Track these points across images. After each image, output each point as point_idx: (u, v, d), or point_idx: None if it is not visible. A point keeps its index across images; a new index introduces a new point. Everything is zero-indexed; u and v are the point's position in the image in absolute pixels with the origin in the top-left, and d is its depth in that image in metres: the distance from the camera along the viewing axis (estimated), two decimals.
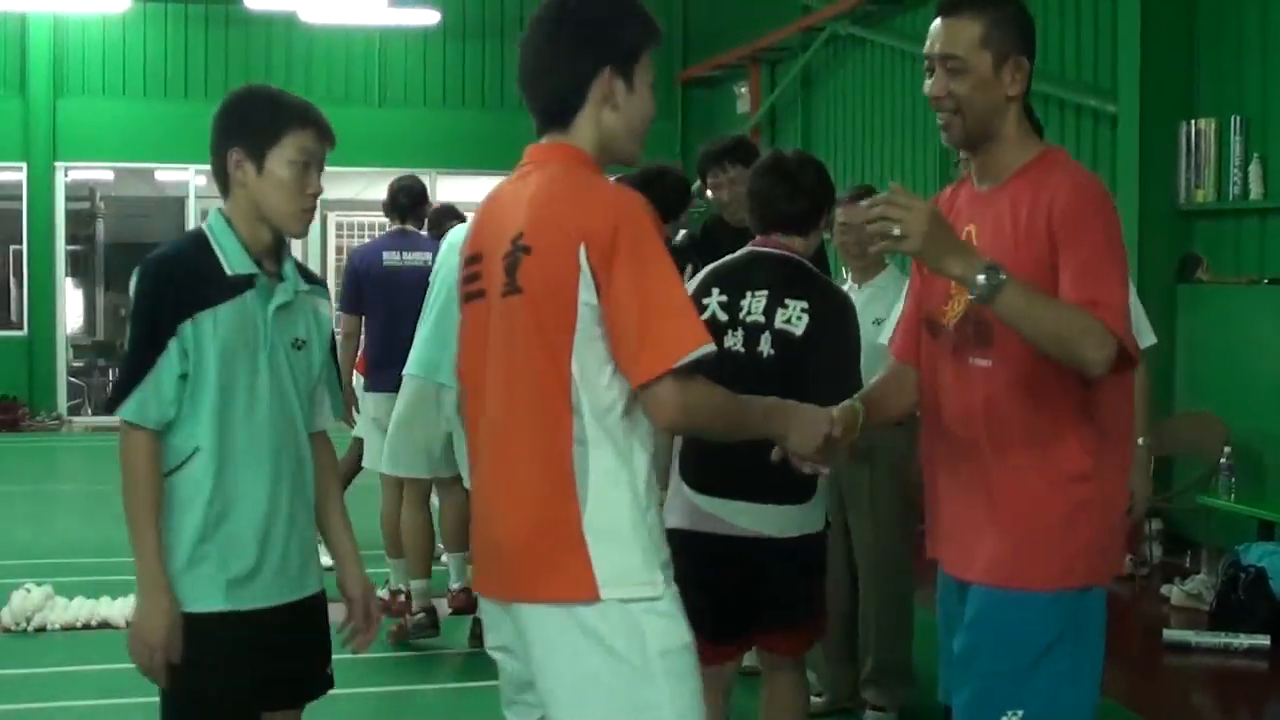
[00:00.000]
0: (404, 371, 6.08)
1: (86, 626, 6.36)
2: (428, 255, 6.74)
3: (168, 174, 17.05)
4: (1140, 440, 4.20)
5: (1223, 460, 7.22)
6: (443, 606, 6.62)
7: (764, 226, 3.84)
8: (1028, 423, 2.66)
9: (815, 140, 13.44)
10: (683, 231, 5.68)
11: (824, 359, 3.63)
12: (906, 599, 5.04)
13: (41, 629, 6.31)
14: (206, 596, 2.80)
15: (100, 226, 19.43)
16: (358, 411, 6.83)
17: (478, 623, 6.10)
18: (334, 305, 3.76)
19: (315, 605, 3.00)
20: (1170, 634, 6.35)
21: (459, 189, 16.33)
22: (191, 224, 15.84)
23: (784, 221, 3.79)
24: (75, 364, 16.76)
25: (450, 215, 7.64)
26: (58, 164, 15.46)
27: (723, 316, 3.70)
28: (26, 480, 11.80)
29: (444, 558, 6.77)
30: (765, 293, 3.70)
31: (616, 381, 2.45)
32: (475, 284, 2.63)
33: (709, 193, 5.45)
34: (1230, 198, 7.81)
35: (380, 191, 7.27)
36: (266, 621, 2.85)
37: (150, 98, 15.64)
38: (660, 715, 2.47)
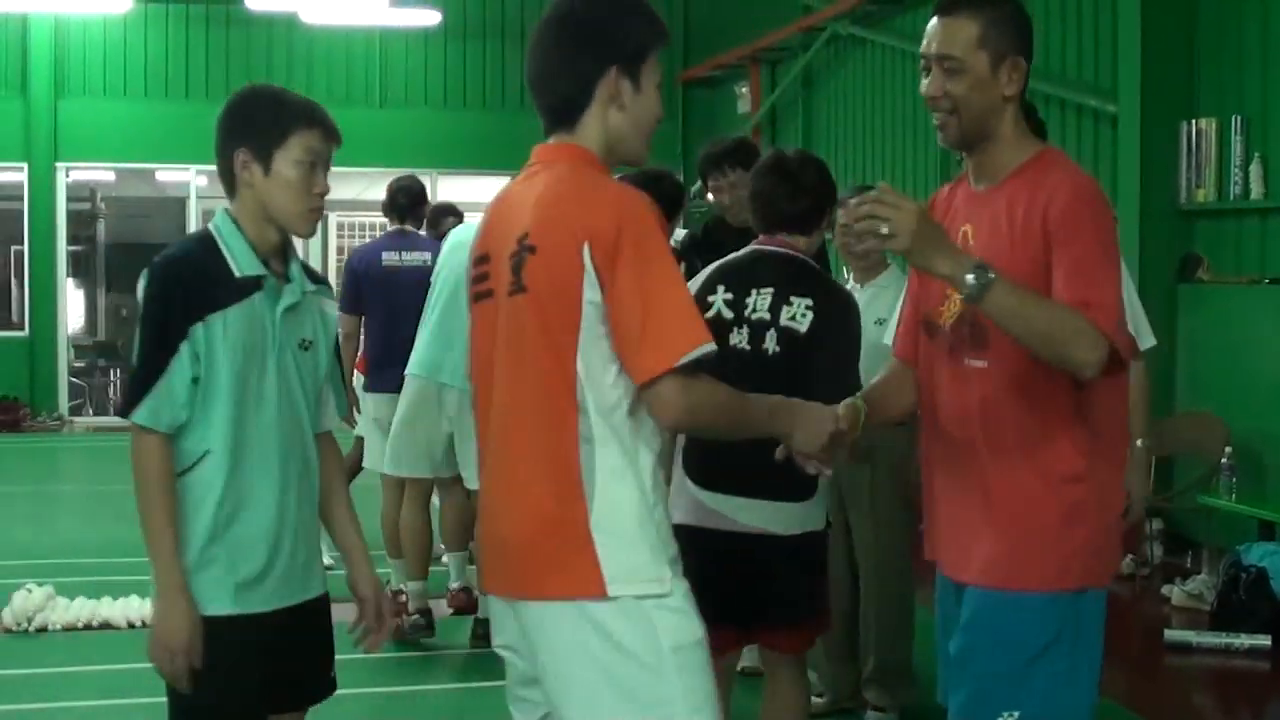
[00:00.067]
0: (406, 371, 6.09)
1: (88, 627, 6.36)
2: (427, 255, 6.75)
3: (169, 174, 17.06)
4: (1139, 441, 4.19)
5: (1223, 460, 7.22)
6: (442, 606, 6.63)
7: (767, 226, 3.86)
8: (1023, 424, 2.66)
9: (816, 140, 13.43)
10: (684, 232, 5.68)
11: (826, 357, 3.65)
12: (907, 599, 5.04)
13: (43, 629, 6.31)
14: (214, 600, 2.79)
15: (101, 227, 19.45)
16: (359, 412, 6.84)
17: (479, 623, 6.11)
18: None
19: (319, 607, 2.99)
20: (1171, 634, 6.35)
21: (460, 189, 16.32)
22: (193, 224, 15.86)
23: (786, 221, 3.81)
24: (76, 364, 16.76)
25: (448, 213, 7.65)
26: (59, 164, 15.47)
27: (728, 314, 3.72)
28: (28, 481, 11.80)
29: (445, 558, 6.78)
30: (770, 290, 3.72)
31: (621, 380, 2.46)
32: (483, 284, 2.64)
33: (710, 196, 5.45)
34: (1231, 197, 7.81)
35: (381, 192, 7.28)
36: (272, 624, 2.84)
37: (151, 98, 15.64)
38: (673, 710, 2.47)
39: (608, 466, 2.47)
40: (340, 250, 17.08)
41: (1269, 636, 6.17)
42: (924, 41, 2.76)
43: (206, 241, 2.86)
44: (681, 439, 3.70)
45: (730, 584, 3.61)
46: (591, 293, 2.43)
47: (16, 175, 15.49)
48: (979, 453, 2.72)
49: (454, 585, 6.73)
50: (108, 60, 15.59)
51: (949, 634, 2.82)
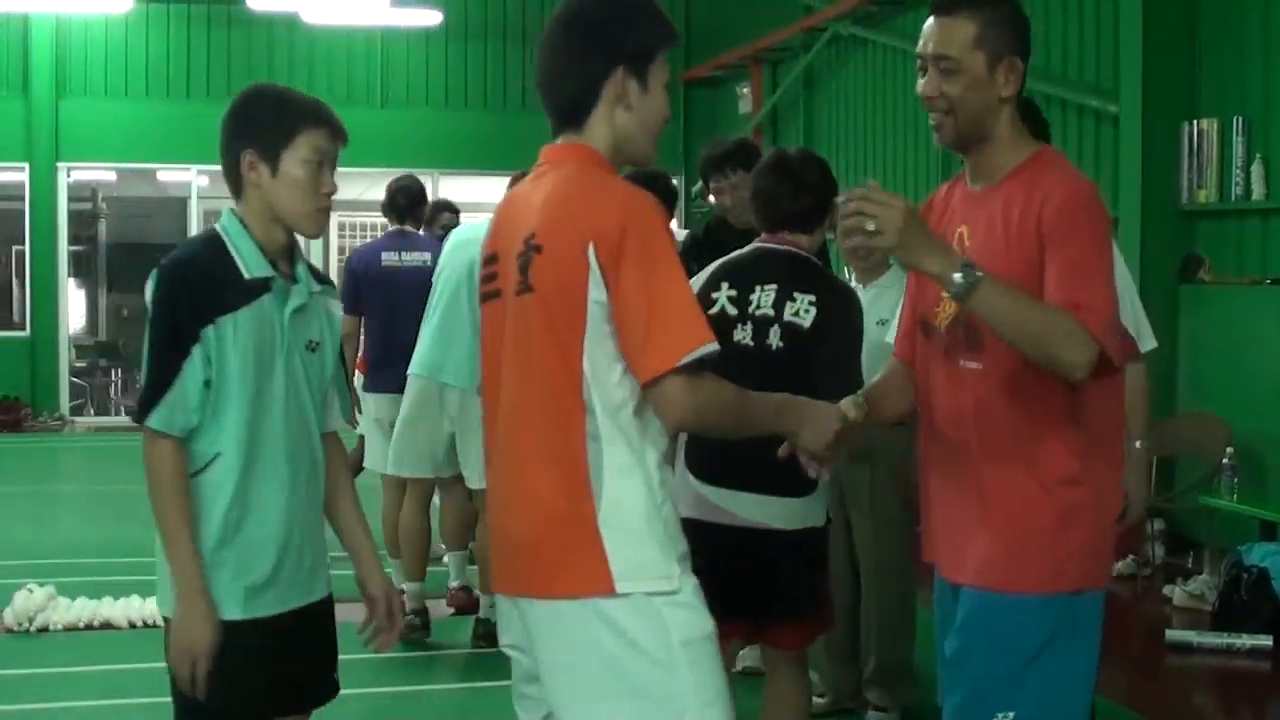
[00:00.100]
0: (408, 372, 6.09)
1: (89, 627, 6.36)
2: (426, 255, 6.76)
3: (170, 174, 17.06)
4: (1138, 443, 4.18)
5: (1225, 460, 7.22)
6: (443, 606, 6.64)
7: (769, 225, 3.88)
8: (1018, 426, 2.65)
9: (817, 140, 13.43)
10: (685, 233, 5.69)
11: (829, 352, 3.68)
12: (908, 599, 5.04)
13: (44, 629, 6.31)
14: (223, 604, 2.77)
15: (103, 227, 19.46)
16: (360, 412, 6.84)
17: (480, 623, 6.11)
18: None
19: (324, 609, 2.98)
20: (1173, 634, 6.35)
21: (461, 189, 16.33)
22: (194, 224, 15.87)
23: (788, 219, 3.83)
24: (78, 364, 16.76)
25: (443, 209, 7.65)
26: (60, 164, 15.46)
27: (732, 310, 3.75)
28: (29, 481, 11.79)
29: (446, 558, 6.79)
30: (774, 287, 3.75)
31: (627, 379, 2.47)
32: (492, 284, 2.67)
33: (711, 197, 5.45)
34: (1232, 198, 7.80)
35: (382, 192, 7.28)
36: (278, 627, 2.83)
37: (152, 98, 15.64)
38: (685, 705, 2.47)
39: (615, 464, 2.48)
40: (342, 250, 17.09)
41: (1270, 637, 6.17)
42: (920, 41, 2.74)
43: (214, 243, 2.84)
44: (683, 435, 3.71)
45: (732, 578, 3.62)
46: (597, 292, 2.44)
47: (18, 175, 15.48)
48: (974, 454, 2.71)
49: (453, 584, 6.73)
50: (109, 60, 15.58)
51: (946, 635, 2.82)
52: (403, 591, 6.30)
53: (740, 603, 3.65)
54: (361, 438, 7.11)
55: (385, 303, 6.67)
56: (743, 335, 3.72)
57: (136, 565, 7.32)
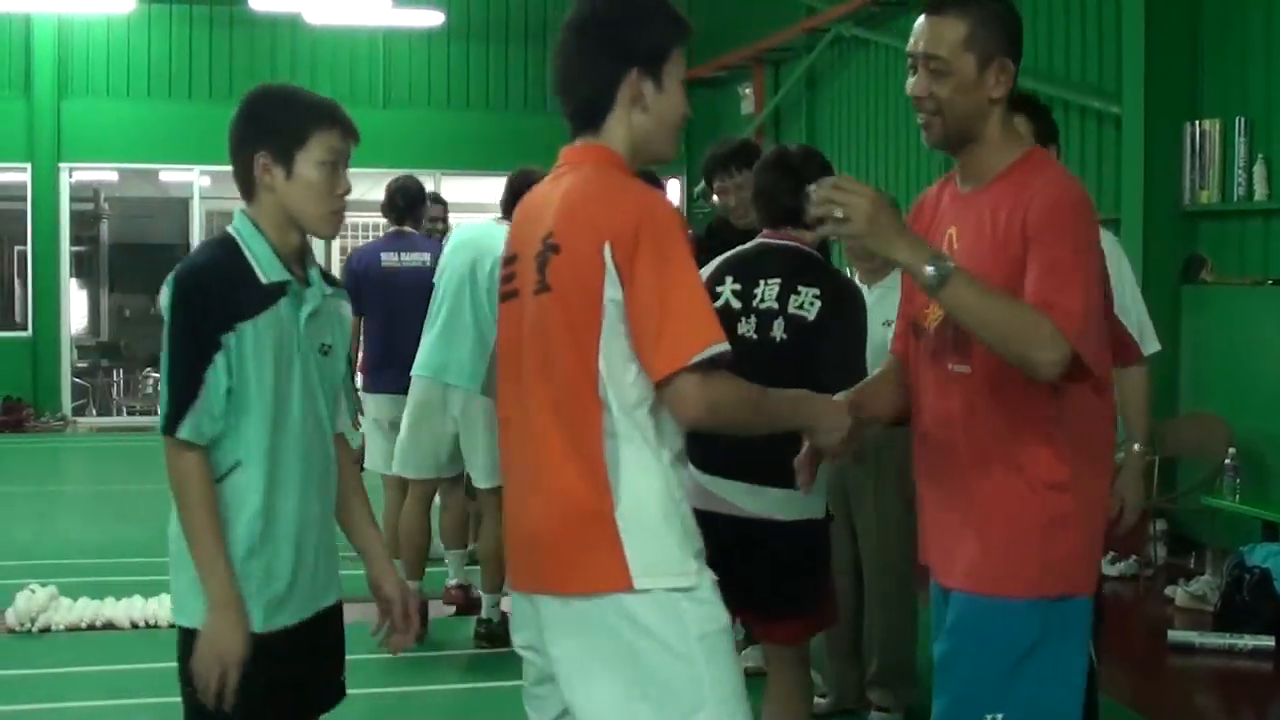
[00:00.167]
0: (412, 373, 6.09)
1: (91, 627, 6.35)
2: (426, 256, 6.76)
3: (172, 175, 17.07)
4: (1137, 446, 4.17)
5: (1227, 461, 7.22)
6: (444, 606, 6.64)
7: (771, 221, 3.92)
8: (1006, 431, 2.64)
9: (819, 141, 13.42)
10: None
11: (834, 345, 3.70)
12: (911, 600, 5.04)
13: (46, 630, 6.30)
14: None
15: (105, 227, 19.47)
16: (362, 413, 6.85)
17: (481, 623, 6.11)
18: None
19: (335, 613, 2.96)
20: (1175, 635, 6.34)
21: (463, 190, 16.36)
22: (196, 224, 15.90)
23: (790, 215, 3.85)
24: (79, 365, 16.78)
25: (431, 200, 7.61)
26: (62, 165, 15.46)
27: (736, 304, 3.78)
28: (31, 481, 11.79)
29: (446, 557, 6.80)
30: (778, 281, 3.79)
31: (642, 378, 2.48)
32: (510, 284, 2.68)
33: (715, 197, 5.45)
34: (1234, 199, 7.80)
35: (383, 192, 7.28)
36: (293, 635, 2.80)
37: (155, 99, 15.65)
38: (702, 698, 2.49)
39: (632, 462, 2.50)
40: (344, 250, 17.09)
41: (1272, 637, 6.16)
42: (911, 39, 2.72)
43: (229, 246, 2.78)
44: None
45: (730, 568, 3.62)
46: (613, 291, 2.46)
47: (20, 175, 15.49)
48: (962, 458, 2.71)
49: (450, 583, 6.74)
50: (111, 61, 15.59)
51: (938, 637, 2.82)
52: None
53: (738, 593, 3.66)
54: (362, 437, 7.12)
55: (385, 303, 6.68)
56: (747, 328, 3.74)
57: (138, 565, 7.34)
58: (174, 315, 2.70)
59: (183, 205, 16.96)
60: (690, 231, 5.92)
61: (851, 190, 2.49)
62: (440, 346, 5.97)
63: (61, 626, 6.32)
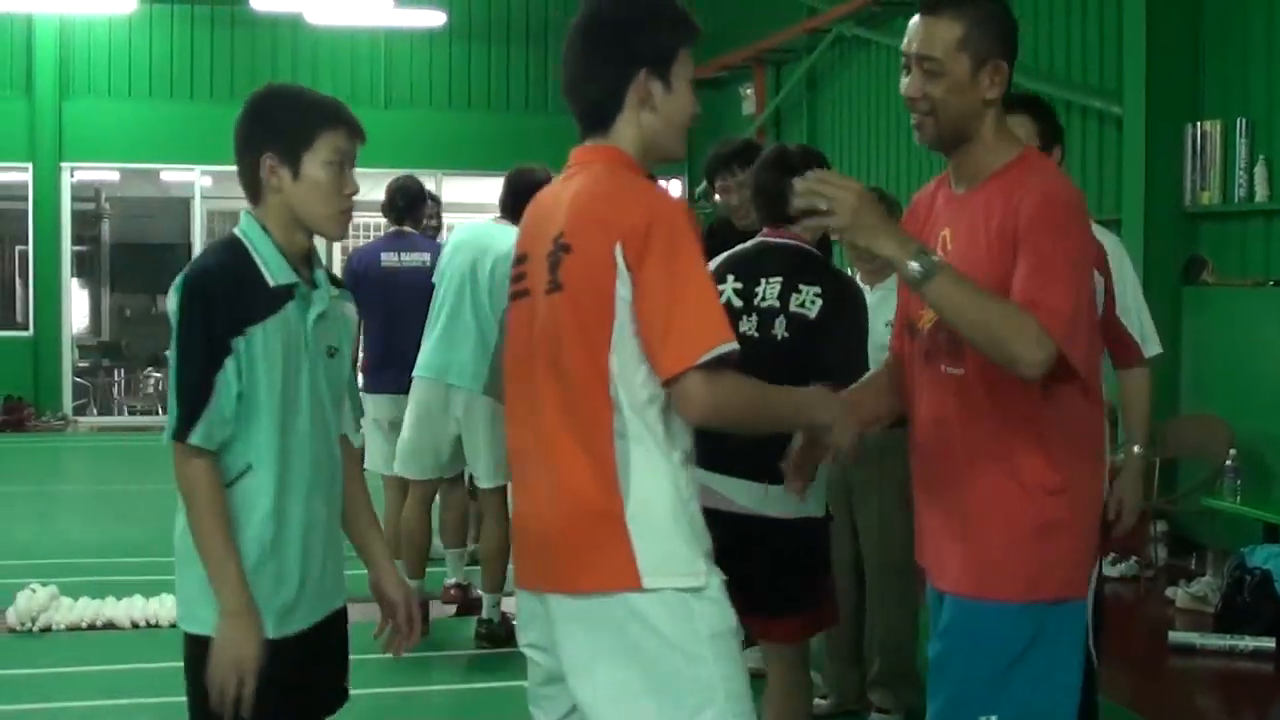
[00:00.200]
0: (414, 374, 6.09)
1: (91, 627, 6.35)
2: (426, 256, 6.76)
3: (173, 175, 17.09)
4: (1137, 449, 4.17)
5: (1228, 462, 7.22)
6: (445, 607, 6.64)
7: (770, 219, 3.94)
8: (999, 435, 2.64)
9: (820, 141, 13.42)
10: None
11: (836, 342, 3.71)
12: (913, 600, 5.03)
13: (46, 629, 6.30)
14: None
15: (106, 227, 19.49)
16: (361, 414, 6.85)
17: (481, 623, 6.11)
18: None
19: (341, 617, 2.95)
20: (1175, 636, 6.34)
21: (465, 190, 16.37)
22: (197, 224, 15.90)
23: (789, 214, 3.84)
24: (80, 364, 16.79)
25: (429, 199, 7.60)
26: (64, 165, 15.47)
27: (738, 303, 3.79)
28: (31, 480, 11.80)
29: (446, 557, 6.80)
30: (779, 279, 3.80)
31: (653, 378, 2.48)
32: (521, 284, 2.68)
33: (717, 196, 5.45)
34: (1236, 200, 7.80)
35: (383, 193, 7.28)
36: (302, 640, 2.79)
37: (156, 99, 15.66)
38: (711, 696, 2.50)
39: (642, 462, 2.50)
40: (345, 250, 17.11)
41: (1273, 639, 6.16)
42: (905, 38, 2.71)
43: (236, 249, 2.75)
44: None
45: (729, 566, 3.63)
46: (625, 290, 2.46)
47: (21, 175, 15.49)
48: (956, 460, 2.70)
49: (449, 581, 6.75)
50: (112, 61, 15.60)
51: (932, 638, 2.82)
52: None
53: (736, 591, 3.66)
54: (362, 438, 7.12)
55: (385, 303, 6.67)
56: (748, 326, 3.76)
57: (139, 565, 7.34)
58: (183, 320, 2.67)
59: (184, 205, 16.97)
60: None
61: (836, 183, 2.49)
62: (441, 348, 5.97)
63: (62, 626, 6.33)
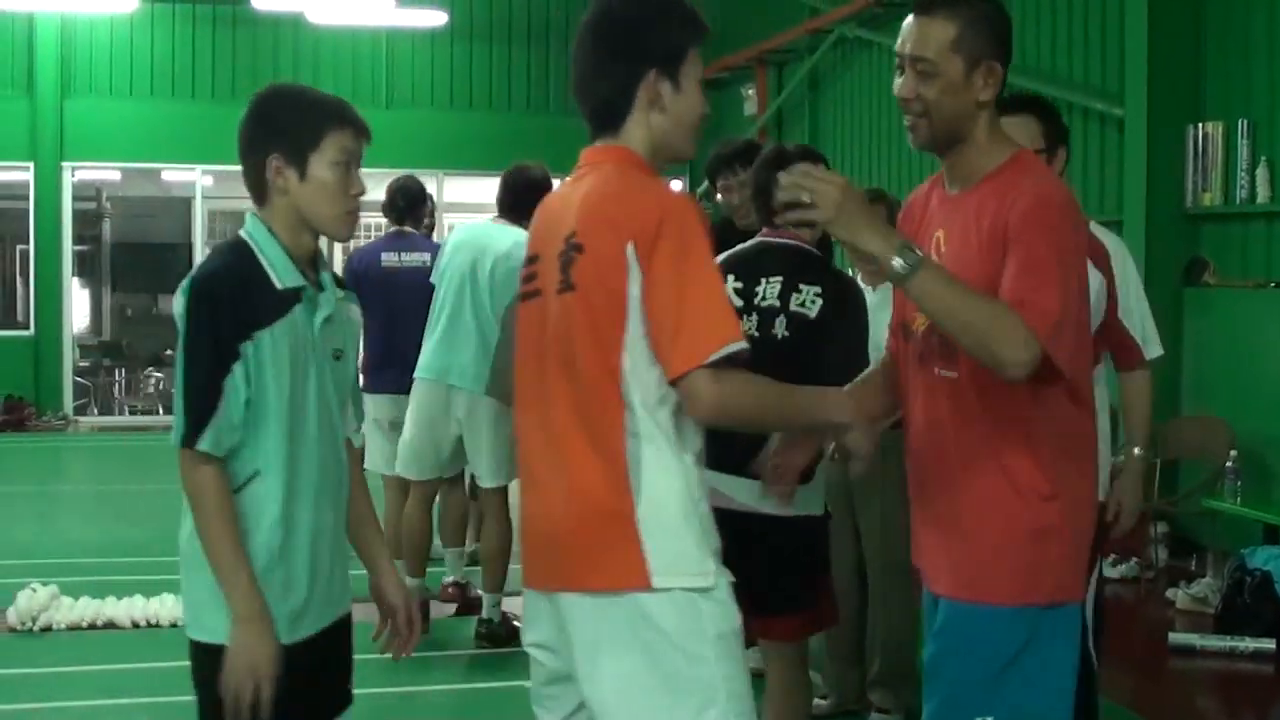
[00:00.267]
0: (415, 375, 6.09)
1: (92, 626, 6.35)
2: (426, 256, 6.76)
3: (174, 174, 17.09)
4: (1137, 450, 4.16)
5: (1228, 464, 7.22)
6: (445, 607, 6.63)
7: (769, 220, 3.93)
8: (993, 438, 2.63)
9: (822, 142, 13.42)
10: None
11: (836, 342, 3.72)
12: (914, 600, 5.03)
13: (47, 629, 6.30)
14: None
15: (107, 226, 19.49)
16: (363, 417, 6.84)
17: (481, 623, 6.11)
18: None
19: (346, 622, 2.93)
20: (1176, 637, 6.34)
21: (466, 190, 16.36)
22: (198, 224, 15.89)
23: (773, 208, 3.84)
24: (81, 364, 16.77)
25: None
26: (65, 164, 15.47)
27: (738, 302, 3.80)
28: (32, 480, 11.80)
29: (445, 556, 6.80)
30: (779, 279, 3.82)
31: (665, 377, 2.48)
32: (532, 284, 2.68)
33: (719, 196, 5.46)
34: (1237, 201, 7.80)
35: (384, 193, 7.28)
36: (309, 645, 2.77)
37: (157, 98, 15.66)
38: (715, 695, 2.50)
39: (654, 461, 2.50)
40: (346, 251, 17.10)
41: (1273, 640, 6.16)
42: (899, 39, 2.69)
43: (242, 252, 2.72)
44: None
45: (729, 563, 3.62)
46: (636, 289, 2.47)
47: (22, 175, 15.49)
48: (950, 464, 2.69)
49: (447, 580, 6.75)
50: (114, 60, 15.60)
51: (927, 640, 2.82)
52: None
53: (736, 589, 3.66)
54: (362, 438, 7.12)
55: (385, 303, 6.66)
56: (748, 326, 3.77)
57: (139, 565, 7.33)
58: (190, 324, 2.64)
59: (185, 205, 16.96)
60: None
61: (820, 177, 2.48)
62: (442, 349, 5.97)
63: (62, 625, 6.32)
